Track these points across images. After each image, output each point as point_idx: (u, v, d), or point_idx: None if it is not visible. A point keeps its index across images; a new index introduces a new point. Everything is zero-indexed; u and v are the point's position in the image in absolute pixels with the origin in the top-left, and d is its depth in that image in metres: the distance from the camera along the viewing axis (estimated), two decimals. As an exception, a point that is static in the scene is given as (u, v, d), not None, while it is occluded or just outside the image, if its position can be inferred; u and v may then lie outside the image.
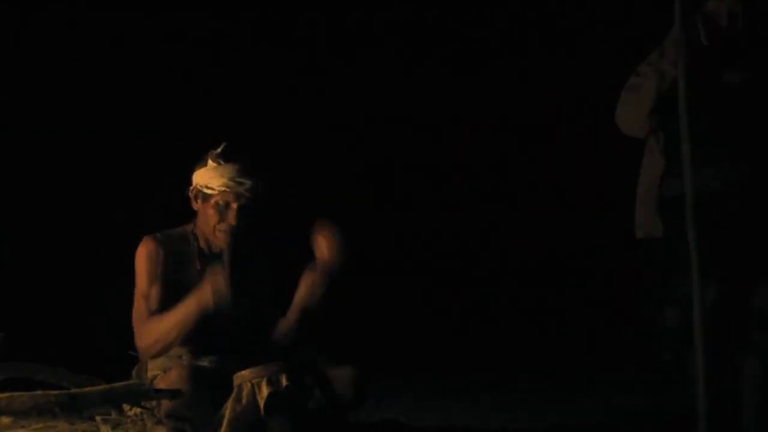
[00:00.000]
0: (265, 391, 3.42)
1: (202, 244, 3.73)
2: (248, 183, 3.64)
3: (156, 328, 3.58)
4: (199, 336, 3.60)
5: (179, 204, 3.80)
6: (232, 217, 3.65)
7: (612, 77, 3.76)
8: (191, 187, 3.72)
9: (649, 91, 3.45)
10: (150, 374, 3.66)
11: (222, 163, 3.66)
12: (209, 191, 3.65)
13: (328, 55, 7.54)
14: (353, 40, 7.54)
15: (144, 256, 3.67)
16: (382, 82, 7.66)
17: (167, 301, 3.61)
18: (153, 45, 6.96)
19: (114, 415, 3.65)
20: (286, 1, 7.32)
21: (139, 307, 3.65)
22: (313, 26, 7.46)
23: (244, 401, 3.45)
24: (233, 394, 3.47)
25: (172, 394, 3.40)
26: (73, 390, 3.39)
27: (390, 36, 7.59)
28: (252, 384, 3.45)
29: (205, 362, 3.66)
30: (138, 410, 3.54)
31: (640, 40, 3.81)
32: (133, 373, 3.75)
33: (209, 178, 3.65)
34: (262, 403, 3.42)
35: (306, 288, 3.63)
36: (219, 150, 3.68)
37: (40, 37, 6.75)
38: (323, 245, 3.59)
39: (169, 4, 6.96)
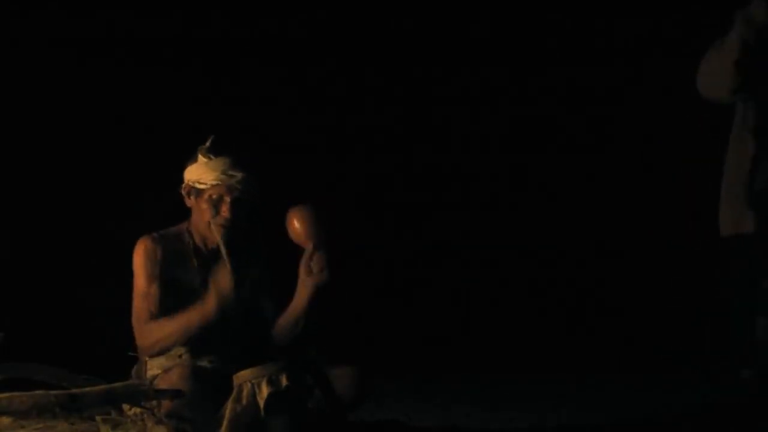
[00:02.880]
0: (265, 391, 3.43)
1: (197, 241, 3.75)
2: (239, 175, 3.66)
3: (158, 330, 3.60)
4: (198, 335, 3.61)
5: (175, 204, 3.81)
6: (226, 210, 3.67)
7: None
8: (183, 185, 3.74)
9: (734, 43, 3.04)
10: (150, 374, 3.66)
11: (212, 157, 3.68)
12: (201, 186, 3.67)
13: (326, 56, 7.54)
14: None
15: (142, 255, 3.68)
16: (382, 83, 7.66)
17: (166, 300, 3.63)
18: (149, 45, 6.95)
19: (114, 415, 3.65)
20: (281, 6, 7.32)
21: (138, 306, 3.67)
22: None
23: (244, 401, 3.45)
24: (233, 394, 3.47)
25: (173, 394, 3.40)
26: (73, 390, 3.39)
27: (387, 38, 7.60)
28: (252, 384, 3.45)
29: (204, 362, 3.66)
30: (138, 410, 3.54)
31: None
32: (133, 372, 3.75)
33: (201, 173, 3.67)
34: (262, 403, 3.43)
35: (301, 282, 3.63)
36: (208, 144, 3.69)
37: (38, 36, 6.74)
38: (297, 229, 3.60)
39: (165, 5, 6.96)
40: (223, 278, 3.52)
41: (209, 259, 3.72)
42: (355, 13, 7.43)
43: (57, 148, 6.76)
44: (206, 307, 3.52)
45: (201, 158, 3.69)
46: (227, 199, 3.67)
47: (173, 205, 3.86)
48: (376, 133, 7.63)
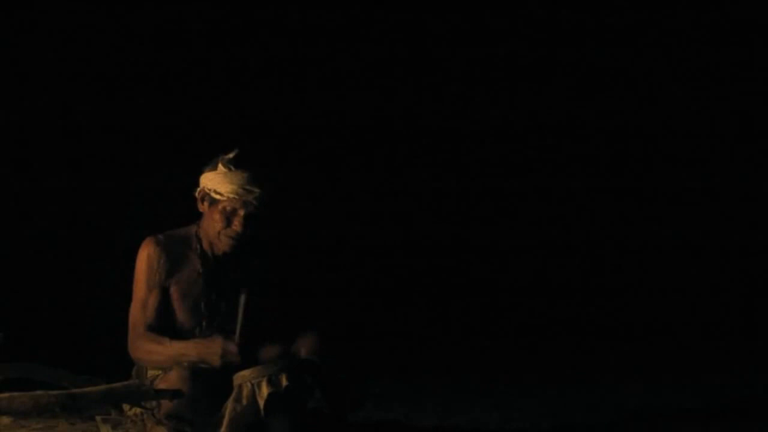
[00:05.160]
0: (265, 391, 3.43)
1: (205, 246, 3.73)
2: (257, 192, 3.63)
3: (151, 350, 3.61)
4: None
5: (184, 204, 3.80)
6: (238, 225, 3.64)
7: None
8: (198, 189, 3.71)
9: None
10: (150, 374, 3.66)
11: (232, 169, 3.64)
12: (217, 196, 3.65)
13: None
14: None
15: (144, 261, 3.67)
16: (385, 85, 7.67)
17: (164, 310, 3.64)
18: (159, 44, 6.96)
19: (114, 415, 3.65)
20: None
21: (135, 313, 3.66)
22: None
23: (244, 401, 3.45)
24: (233, 394, 3.47)
25: (173, 394, 3.40)
26: (73, 390, 3.39)
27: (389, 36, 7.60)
28: (252, 384, 3.45)
29: (204, 362, 3.67)
30: (138, 410, 3.54)
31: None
32: (133, 373, 3.75)
33: (218, 183, 3.64)
34: (262, 403, 3.43)
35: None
36: (231, 156, 3.66)
37: (37, 35, 6.74)
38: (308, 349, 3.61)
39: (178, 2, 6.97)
40: (231, 348, 3.53)
41: (215, 264, 3.72)
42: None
43: (57, 148, 6.77)
44: (205, 357, 3.55)
45: (221, 167, 3.65)
46: (241, 213, 3.64)
47: (175, 206, 3.85)
48: (374, 134, 7.65)
